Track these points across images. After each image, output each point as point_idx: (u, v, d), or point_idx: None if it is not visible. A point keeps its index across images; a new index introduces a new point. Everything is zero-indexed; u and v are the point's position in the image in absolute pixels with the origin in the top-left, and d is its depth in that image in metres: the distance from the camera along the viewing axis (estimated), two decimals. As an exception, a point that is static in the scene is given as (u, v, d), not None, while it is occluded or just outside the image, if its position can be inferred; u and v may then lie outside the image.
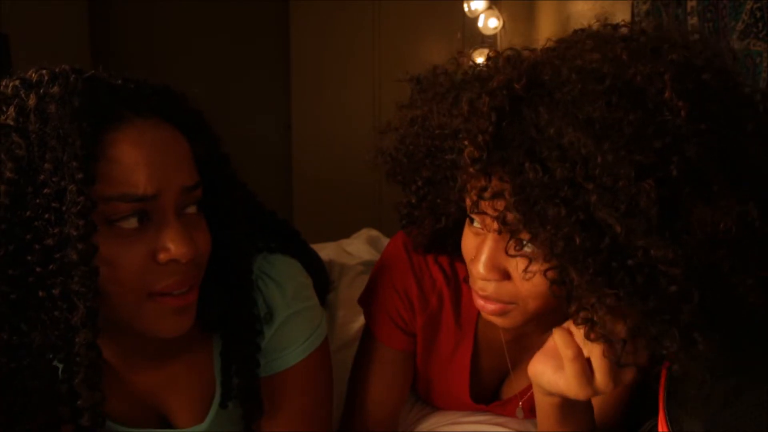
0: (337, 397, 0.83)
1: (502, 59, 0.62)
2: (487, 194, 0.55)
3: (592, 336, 0.55)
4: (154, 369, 0.70)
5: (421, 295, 0.81)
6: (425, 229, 0.75)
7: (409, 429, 0.94)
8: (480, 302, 0.66)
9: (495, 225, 0.58)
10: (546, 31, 2.52)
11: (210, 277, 0.65)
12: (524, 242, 0.56)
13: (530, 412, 0.88)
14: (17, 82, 0.56)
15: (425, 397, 0.96)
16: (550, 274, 0.55)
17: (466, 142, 0.55)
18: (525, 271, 0.58)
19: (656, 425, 0.65)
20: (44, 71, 0.56)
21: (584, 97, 0.50)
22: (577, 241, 0.49)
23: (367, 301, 0.86)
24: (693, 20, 1.32)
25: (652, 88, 0.50)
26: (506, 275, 0.61)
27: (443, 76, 0.67)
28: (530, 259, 0.58)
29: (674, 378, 0.63)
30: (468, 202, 0.61)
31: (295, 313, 0.73)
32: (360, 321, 1.18)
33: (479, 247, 0.63)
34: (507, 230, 0.57)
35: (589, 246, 0.50)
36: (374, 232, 1.77)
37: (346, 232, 1.79)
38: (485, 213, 0.58)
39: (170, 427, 0.73)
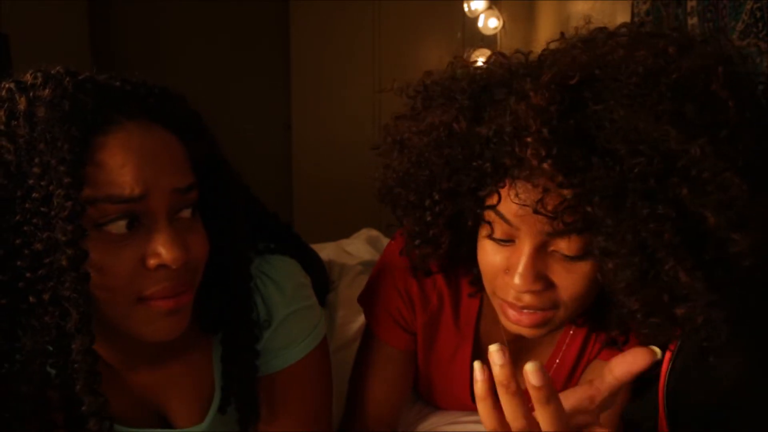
0: (337, 396, 0.83)
1: (528, 59, 0.63)
2: (552, 186, 0.53)
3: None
4: (154, 369, 0.69)
5: (421, 294, 0.81)
6: (441, 247, 0.69)
7: (409, 428, 0.94)
8: (514, 316, 0.63)
9: (547, 227, 0.56)
10: (546, 31, 2.52)
11: (209, 279, 0.65)
12: (598, 240, 0.54)
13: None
14: (12, 85, 0.56)
15: (427, 397, 0.96)
16: (632, 270, 0.53)
17: (528, 139, 0.53)
18: (567, 268, 0.58)
19: (656, 425, 0.65)
20: (39, 73, 0.56)
21: (646, 91, 0.50)
22: (667, 235, 0.49)
23: (368, 299, 0.86)
24: (693, 20, 1.32)
25: (704, 80, 0.51)
26: (548, 283, 0.60)
27: (459, 81, 0.65)
28: (577, 257, 0.57)
29: (674, 378, 0.63)
30: (513, 208, 0.58)
31: (294, 312, 0.73)
32: (360, 321, 1.18)
33: (511, 258, 0.61)
34: (566, 229, 0.55)
35: (677, 240, 0.50)
36: (374, 232, 1.77)
37: (346, 232, 1.79)
38: (544, 214, 0.55)
39: (170, 426, 0.73)
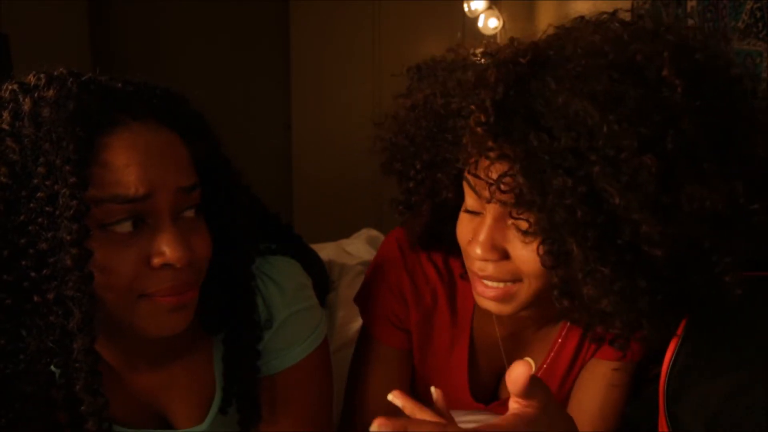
0: (337, 396, 0.83)
1: (505, 44, 0.65)
2: (492, 155, 0.57)
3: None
4: (155, 370, 0.69)
5: (414, 291, 0.81)
6: (423, 216, 0.75)
7: (408, 429, 0.94)
8: (480, 288, 0.66)
9: (486, 193, 0.59)
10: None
11: (211, 280, 0.65)
12: (526, 212, 0.57)
13: None
14: (15, 86, 0.56)
15: (425, 397, 0.96)
16: (547, 244, 0.56)
17: (473, 107, 0.57)
18: (523, 241, 0.59)
19: (656, 425, 0.65)
20: (42, 75, 0.56)
21: (588, 72, 0.53)
22: (579, 213, 0.51)
23: (363, 299, 0.86)
24: (693, 20, 1.32)
25: (651, 65, 0.53)
26: (505, 254, 0.62)
27: (444, 62, 0.70)
28: (527, 232, 0.58)
29: (674, 378, 0.63)
30: (467, 171, 0.62)
31: (295, 313, 0.73)
32: (360, 321, 1.18)
33: (476, 229, 0.63)
34: (502, 199, 0.58)
35: (588, 219, 0.51)
36: (374, 232, 1.77)
37: (346, 232, 1.79)
38: (480, 178, 0.59)
39: (170, 428, 0.73)
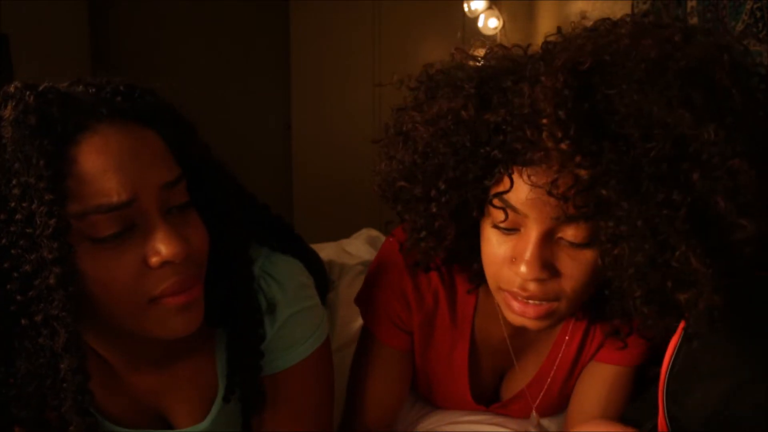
0: (338, 396, 0.83)
1: (536, 48, 0.63)
2: (583, 173, 0.53)
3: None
4: (157, 370, 0.69)
5: (416, 293, 0.81)
6: (446, 239, 0.68)
7: (408, 428, 0.94)
8: (519, 307, 0.63)
9: (556, 213, 0.56)
10: (546, 31, 2.52)
11: (210, 272, 0.64)
12: (608, 226, 0.54)
13: (545, 411, 0.88)
14: None
15: (427, 397, 0.96)
16: (642, 255, 0.53)
17: (544, 121, 0.53)
18: (573, 257, 0.59)
19: (656, 425, 0.65)
20: None
21: (655, 77, 0.51)
22: (679, 220, 0.50)
23: (364, 300, 0.86)
24: (693, 20, 1.32)
25: (710, 69, 0.52)
26: (554, 272, 0.60)
27: (460, 71, 0.65)
28: (581, 245, 0.58)
29: (674, 378, 0.63)
30: (521, 195, 0.58)
31: (297, 312, 0.72)
32: (360, 320, 1.18)
33: (516, 246, 0.61)
34: (575, 214, 0.55)
35: (689, 226, 0.50)
36: (374, 232, 1.77)
37: (346, 232, 1.79)
38: (556, 197, 0.55)
39: (170, 427, 0.73)
